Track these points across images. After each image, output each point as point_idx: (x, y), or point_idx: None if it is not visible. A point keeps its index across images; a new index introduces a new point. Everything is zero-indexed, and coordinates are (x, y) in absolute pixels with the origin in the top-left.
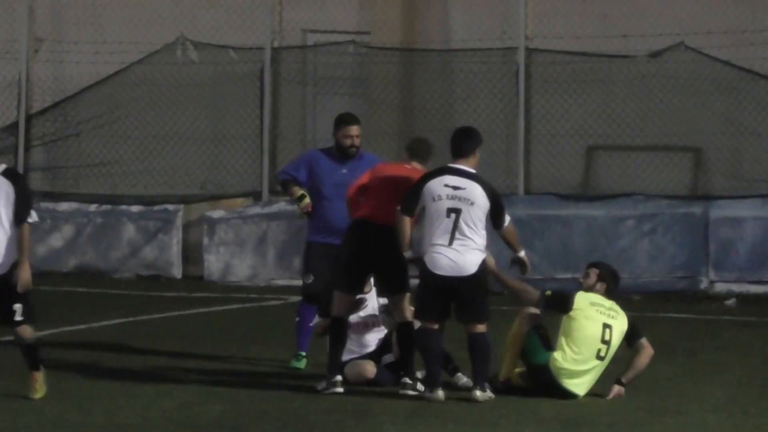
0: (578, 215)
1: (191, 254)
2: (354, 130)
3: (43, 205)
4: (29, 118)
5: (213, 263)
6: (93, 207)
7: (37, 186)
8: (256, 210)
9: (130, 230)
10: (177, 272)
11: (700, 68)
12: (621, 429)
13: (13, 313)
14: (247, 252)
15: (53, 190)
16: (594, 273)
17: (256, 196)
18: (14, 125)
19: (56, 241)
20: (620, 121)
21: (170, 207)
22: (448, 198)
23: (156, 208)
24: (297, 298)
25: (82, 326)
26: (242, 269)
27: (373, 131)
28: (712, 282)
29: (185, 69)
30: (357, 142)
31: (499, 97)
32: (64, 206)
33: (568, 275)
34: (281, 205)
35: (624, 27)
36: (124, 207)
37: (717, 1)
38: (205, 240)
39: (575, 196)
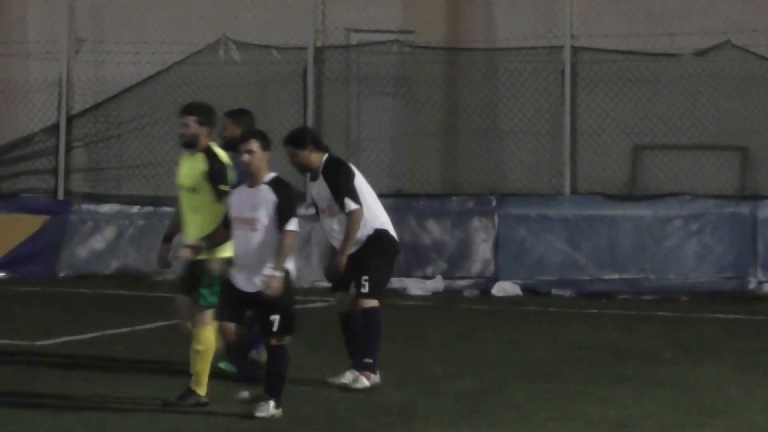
0: (625, 215)
1: None
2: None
3: (85, 206)
4: (70, 119)
5: None
6: (135, 209)
7: (78, 187)
8: (300, 211)
9: None
10: None
11: (746, 66)
12: (669, 431)
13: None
14: None
15: (94, 191)
16: (191, 120)
17: (300, 197)
18: (55, 126)
19: (98, 243)
20: (666, 120)
21: None
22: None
23: None
24: None
25: (125, 329)
26: None
27: (417, 131)
28: (760, 282)
29: (227, 69)
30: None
31: (544, 96)
32: (106, 208)
33: (615, 276)
34: None
35: (670, 25)
36: (166, 208)
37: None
38: None
39: (622, 195)
